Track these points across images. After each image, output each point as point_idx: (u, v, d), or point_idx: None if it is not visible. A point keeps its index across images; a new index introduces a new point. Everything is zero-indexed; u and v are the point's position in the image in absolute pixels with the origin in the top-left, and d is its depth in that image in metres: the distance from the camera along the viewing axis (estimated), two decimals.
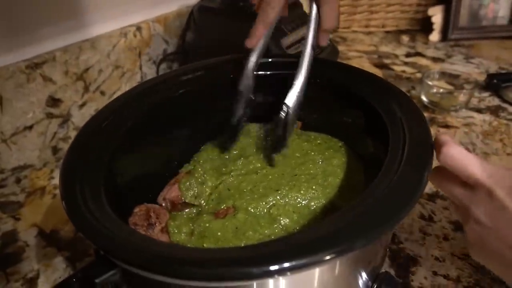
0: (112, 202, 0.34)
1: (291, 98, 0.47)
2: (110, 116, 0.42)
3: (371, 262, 0.39)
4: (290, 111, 0.47)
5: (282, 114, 0.47)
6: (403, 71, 0.96)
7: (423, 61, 1.01)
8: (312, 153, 0.50)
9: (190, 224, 0.42)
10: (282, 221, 0.43)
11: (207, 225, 0.41)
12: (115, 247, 0.29)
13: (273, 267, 0.27)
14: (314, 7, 0.47)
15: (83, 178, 0.34)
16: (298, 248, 0.28)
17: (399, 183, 0.33)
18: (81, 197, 0.32)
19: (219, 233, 0.40)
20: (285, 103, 0.47)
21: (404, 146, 0.37)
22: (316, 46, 0.48)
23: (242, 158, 0.49)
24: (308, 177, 0.47)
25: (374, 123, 0.43)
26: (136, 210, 0.44)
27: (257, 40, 0.48)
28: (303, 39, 0.48)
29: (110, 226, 0.30)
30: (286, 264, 0.28)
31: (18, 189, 0.64)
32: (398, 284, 0.45)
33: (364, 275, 0.38)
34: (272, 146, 0.50)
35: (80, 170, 0.35)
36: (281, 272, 0.28)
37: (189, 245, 0.40)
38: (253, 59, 0.49)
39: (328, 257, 0.28)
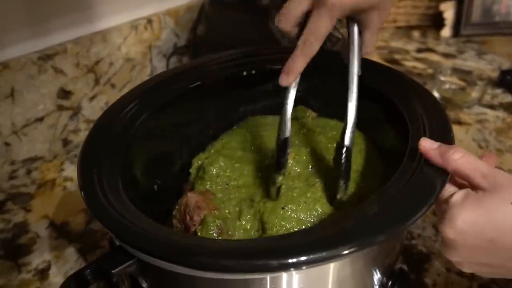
0: (129, 191, 0.34)
1: (348, 138, 0.40)
2: (127, 106, 0.42)
3: (387, 258, 0.39)
4: (349, 152, 0.41)
5: (343, 158, 0.41)
6: (414, 67, 0.95)
7: (434, 57, 1.00)
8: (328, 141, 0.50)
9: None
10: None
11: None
12: (135, 237, 0.29)
13: (290, 260, 0.27)
14: (356, 30, 0.42)
15: (101, 168, 0.34)
16: (317, 241, 0.28)
17: (421, 178, 0.33)
18: (99, 187, 0.32)
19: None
20: (344, 146, 0.40)
21: None
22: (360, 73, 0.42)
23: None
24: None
25: (393, 117, 0.43)
26: (177, 205, 0.43)
27: (295, 77, 0.40)
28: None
29: (128, 216, 0.30)
30: (303, 258, 0.27)
31: (29, 181, 0.64)
32: (412, 281, 0.45)
33: (379, 271, 0.38)
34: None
35: (97, 160, 0.35)
36: (297, 265, 0.27)
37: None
38: (290, 102, 0.41)
39: (346, 252, 0.28)
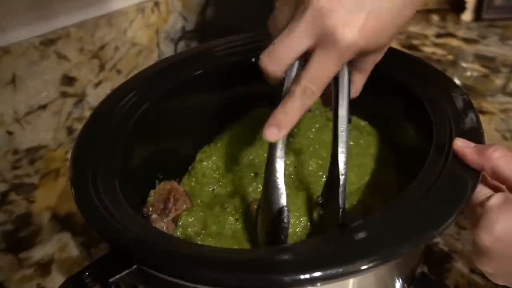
0: (128, 186, 0.32)
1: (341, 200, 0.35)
2: (126, 96, 0.39)
3: (409, 265, 0.36)
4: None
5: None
6: (433, 53, 0.90)
7: (454, 42, 0.95)
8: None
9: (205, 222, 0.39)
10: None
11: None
12: (134, 246, 0.26)
13: (307, 276, 0.24)
14: (346, 72, 0.35)
15: (96, 165, 0.32)
16: (336, 254, 0.25)
17: (449, 178, 0.30)
18: (93, 188, 0.29)
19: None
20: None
21: (450, 138, 0.33)
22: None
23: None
24: None
25: (414, 112, 0.39)
26: (160, 186, 0.41)
27: (287, 132, 0.32)
28: None
29: (125, 221, 0.27)
30: (318, 274, 0.24)
31: (32, 171, 0.62)
32: (434, 283, 0.42)
33: (400, 278, 0.35)
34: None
35: (92, 155, 0.33)
36: (313, 281, 0.25)
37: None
38: (280, 166, 0.34)
39: (365, 267, 0.25)
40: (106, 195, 0.30)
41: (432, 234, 0.27)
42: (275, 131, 0.31)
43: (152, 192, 0.40)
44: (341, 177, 0.35)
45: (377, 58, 0.35)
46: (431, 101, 0.39)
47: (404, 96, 0.42)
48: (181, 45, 0.84)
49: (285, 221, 0.34)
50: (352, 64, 0.35)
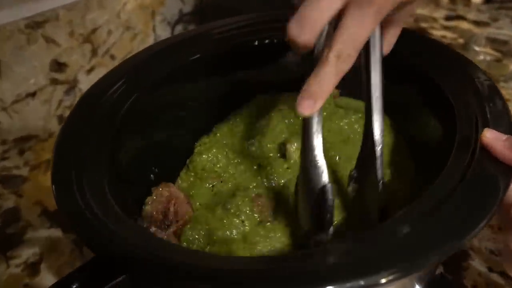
0: (116, 188, 0.28)
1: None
2: (116, 83, 0.36)
3: (431, 269, 0.33)
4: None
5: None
6: (443, 36, 0.87)
7: (465, 25, 0.91)
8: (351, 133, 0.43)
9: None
10: None
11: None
12: (123, 256, 0.23)
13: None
14: (377, 29, 0.32)
15: (82, 162, 0.28)
16: (356, 265, 0.22)
17: (477, 177, 0.26)
18: (77, 188, 0.26)
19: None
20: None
21: (477, 130, 0.30)
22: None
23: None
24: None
25: (433, 100, 0.36)
26: (158, 191, 0.36)
27: (323, 102, 0.29)
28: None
29: (113, 225, 0.24)
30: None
31: (21, 162, 0.59)
32: (452, 284, 0.39)
33: (420, 281, 0.32)
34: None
35: (78, 151, 0.29)
36: None
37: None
38: (318, 140, 0.31)
39: (384, 280, 0.22)
40: (93, 195, 0.26)
41: (460, 244, 0.24)
42: (310, 104, 0.28)
43: (149, 200, 0.37)
44: (378, 149, 0.32)
45: (413, 8, 0.32)
46: (452, 88, 0.35)
47: (421, 83, 0.38)
48: (179, 29, 0.80)
49: (330, 198, 0.31)
50: (388, 20, 0.32)
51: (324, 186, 0.31)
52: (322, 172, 0.31)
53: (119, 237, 0.24)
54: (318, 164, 0.31)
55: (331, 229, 0.32)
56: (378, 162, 0.33)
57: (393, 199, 0.36)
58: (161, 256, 0.24)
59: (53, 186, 0.27)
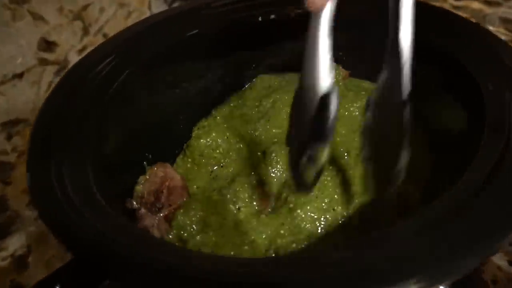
0: (103, 179, 0.25)
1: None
2: (105, 59, 0.32)
3: None
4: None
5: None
6: None
7: (475, 5, 0.87)
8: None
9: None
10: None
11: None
12: (106, 261, 0.20)
13: None
14: None
15: (63, 148, 0.25)
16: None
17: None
18: (57, 179, 0.23)
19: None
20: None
21: (510, 116, 0.26)
22: None
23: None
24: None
25: (458, 82, 0.32)
26: (153, 171, 0.34)
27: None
28: None
29: (101, 226, 0.21)
30: None
31: (9, 147, 0.55)
32: (471, 279, 0.36)
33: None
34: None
35: (59, 134, 0.26)
36: None
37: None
38: (323, 33, 0.27)
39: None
40: (75, 188, 0.23)
41: (493, 249, 0.21)
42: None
43: (142, 179, 0.34)
44: (404, 61, 0.27)
45: None
46: (479, 68, 0.31)
47: (443, 63, 0.34)
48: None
49: (335, 103, 0.27)
50: None
51: (328, 93, 0.27)
52: (326, 75, 0.27)
53: (104, 238, 0.21)
54: (323, 64, 0.27)
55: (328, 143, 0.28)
56: (405, 77, 0.27)
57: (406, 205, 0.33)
58: (149, 257, 0.21)
59: (28, 174, 0.24)
